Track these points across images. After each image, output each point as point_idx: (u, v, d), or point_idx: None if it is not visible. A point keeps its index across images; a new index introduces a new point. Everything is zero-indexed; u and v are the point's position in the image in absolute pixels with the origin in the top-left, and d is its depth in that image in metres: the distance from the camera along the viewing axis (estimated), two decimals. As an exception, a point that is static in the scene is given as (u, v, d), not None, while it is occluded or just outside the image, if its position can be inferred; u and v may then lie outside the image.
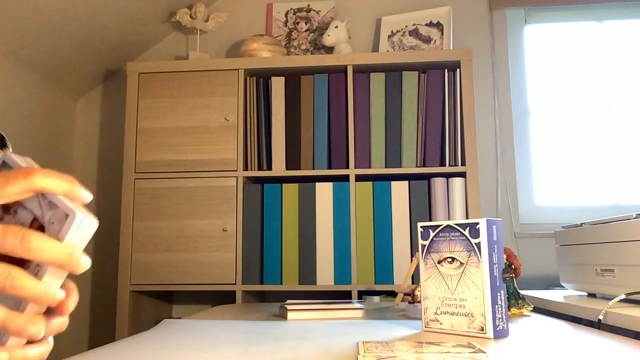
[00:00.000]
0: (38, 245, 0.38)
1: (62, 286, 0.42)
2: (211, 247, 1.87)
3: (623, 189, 2.21)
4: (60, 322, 0.43)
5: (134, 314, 1.92)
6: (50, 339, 0.45)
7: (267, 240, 1.88)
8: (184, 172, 1.92)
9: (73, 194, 0.41)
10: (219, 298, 2.25)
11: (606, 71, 2.29)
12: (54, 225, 0.40)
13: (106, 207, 2.35)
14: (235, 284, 1.85)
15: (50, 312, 0.42)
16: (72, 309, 0.43)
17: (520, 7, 2.31)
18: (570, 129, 2.27)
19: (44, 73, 2.12)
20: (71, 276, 2.32)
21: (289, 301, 1.14)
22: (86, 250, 2.34)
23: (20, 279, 0.38)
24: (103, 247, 2.33)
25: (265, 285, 1.85)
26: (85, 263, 0.41)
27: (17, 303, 0.40)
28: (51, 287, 0.40)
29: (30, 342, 0.43)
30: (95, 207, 2.36)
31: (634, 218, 0.96)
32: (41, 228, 0.40)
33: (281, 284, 1.86)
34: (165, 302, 2.21)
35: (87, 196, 0.42)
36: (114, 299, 2.29)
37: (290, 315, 1.02)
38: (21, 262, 0.40)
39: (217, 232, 1.88)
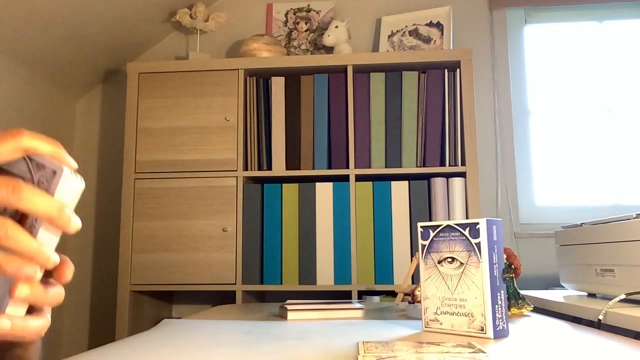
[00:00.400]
0: (29, 196, 0.39)
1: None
2: (211, 247, 1.87)
3: (623, 189, 2.21)
4: (57, 293, 0.43)
5: (134, 314, 1.92)
6: (48, 316, 0.45)
7: (267, 240, 1.88)
8: (184, 172, 1.92)
9: (59, 155, 0.42)
10: (219, 298, 2.25)
11: (606, 71, 2.29)
12: (44, 184, 0.41)
13: (106, 207, 2.35)
14: (235, 284, 1.85)
15: (46, 283, 0.43)
16: (69, 278, 0.44)
17: (520, 7, 2.31)
18: (570, 129, 2.27)
19: (44, 73, 2.12)
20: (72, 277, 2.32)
21: (289, 301, 1.14)
22: (86, 249, 2.34)
23: (14, 230, 0.38)
24: (103, 247, 2.33)
25: (265, 285, 1.85)
26: (76, 222, 0.41)
27: None
28: (45, 246, 0.40)
29: (29, 312, 0.43)
30: (95, 207, 2.36)
31: (634, 218, 0.96)
32: None
33: (281, 284, 1.86)
34: (165, 302, 2.21)
35: (73, 162, 0.44)
36: (114, 299, 2.29)
37: (290, 315, 1.02)
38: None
39: (217, 232, 1.88)
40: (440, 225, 0.82)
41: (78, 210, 2.36)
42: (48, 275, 0.44)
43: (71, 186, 0.42)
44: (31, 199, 0.39)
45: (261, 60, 1.97)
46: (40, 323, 0.43)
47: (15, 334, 0.41)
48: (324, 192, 1.88)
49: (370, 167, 1.90)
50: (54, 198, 0.40)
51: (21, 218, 0.41)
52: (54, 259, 0.41)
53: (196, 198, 1.90)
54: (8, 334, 0.40)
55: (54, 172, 0.41)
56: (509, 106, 2.24)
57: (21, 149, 0.40)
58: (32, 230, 0.40)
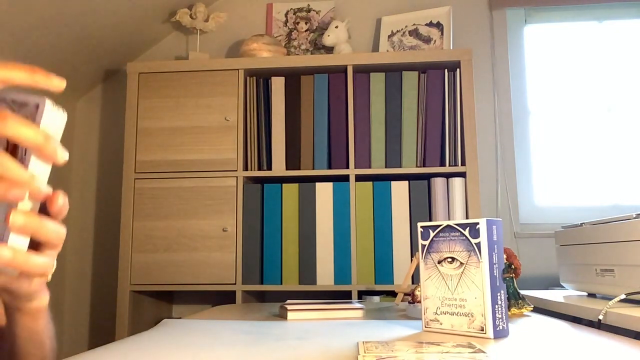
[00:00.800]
0: (15, 125, 0.39)
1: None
2: (211, 247, 1.87)
3: (623, 189, 2.21)
4: (57, 229, 0.44)
5: (134, 314, 1.92)
6: (54, 260, 0.45)
7: (267, 240, 1.88)
8: (184, 172, 1.92)
9: (37, 80, 0.42)
10: (219, 298, 2.25)
11: (606, 71, 2.29)
12: (28, 119, 0.42)
13: (106, 207, 2.35)
14: (235, 284, 1.85)
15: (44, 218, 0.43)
16: (61, 205, 0.44)
17: (520, 7, 2.31)
18: (570, 129, 2.27)
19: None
20: (70, 277, 2.32)
21: (289, 301, 1.14)
22: (86, 249, 2.34)
23: (3, 158, 0.39)
24: (103, 247, 2.33)
25: (265, 285, 1.85)
26: (62, 153, 0.42)
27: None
28: (36, 178, 0.41)
29: (34, 248, 0.43)
30: (95, 207, 2.36)
31: (634, 218, 0.96)
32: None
33: (281, 284, 1.86)
34: (165, 302, 2.21)
35: (56, 82, 0.43)
36: (114, 299, 2.29)
37: (290, 315, 1.02)
38: None
39: (217, 232, 1.88)
40: (440, 225, 0.82)
41: (78, 208, 2.36)
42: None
43: (54, 118, 0.43)
44: (17, 127, 0.39)
45: (261, 60, 1.97)
46: (44, 261, 0.43)
47: (16, 265, 0.41)
48: (324, 192, 1.88)
49: (370, 167, 1.90)
50: (39, 129, 0.41)
51: (11, 152, 0.41)
52: (46, 189, 0.41)
53: (196, 198, 1.90)
54: (9, 264, 0.40)
55: (37, 106, 0.42)
56: (509, 106, 2.24)
57: None
58: (22, 162, 0.41)
